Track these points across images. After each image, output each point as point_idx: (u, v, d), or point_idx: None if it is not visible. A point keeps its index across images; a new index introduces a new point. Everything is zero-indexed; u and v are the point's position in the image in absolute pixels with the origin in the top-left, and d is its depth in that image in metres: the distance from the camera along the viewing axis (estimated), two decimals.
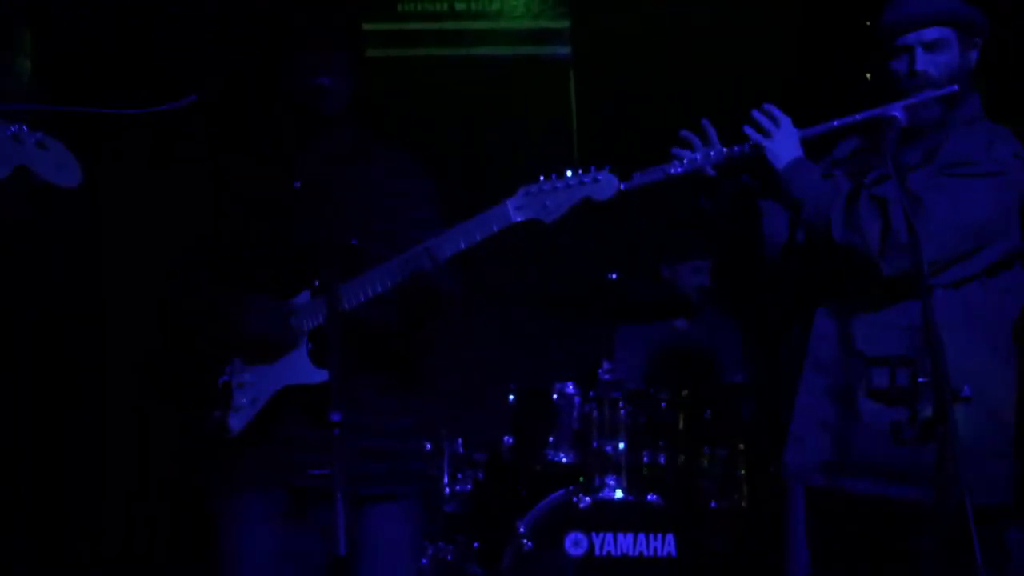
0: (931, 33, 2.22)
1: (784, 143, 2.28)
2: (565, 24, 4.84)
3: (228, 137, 2.89)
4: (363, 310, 2.16)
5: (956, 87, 2.20)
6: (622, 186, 2.25)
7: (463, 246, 2.14)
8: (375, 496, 2.21)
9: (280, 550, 2.22)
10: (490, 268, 2.35)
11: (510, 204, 2.12)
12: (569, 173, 2.13)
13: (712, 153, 2.33)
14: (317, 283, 2.22)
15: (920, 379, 1.91)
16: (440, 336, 2.53)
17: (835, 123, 2.29)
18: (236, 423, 2.19)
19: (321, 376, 2.13)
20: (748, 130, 2.32)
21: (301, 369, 2.20)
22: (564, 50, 4.85)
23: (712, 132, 2.36)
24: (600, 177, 2.11)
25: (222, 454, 2.22)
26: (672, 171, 2.33)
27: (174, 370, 2.42)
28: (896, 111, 2.13)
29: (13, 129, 1.55)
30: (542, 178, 2.14)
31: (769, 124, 2.30)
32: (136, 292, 3.69)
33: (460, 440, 3.93)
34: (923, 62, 2.21)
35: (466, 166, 4.42)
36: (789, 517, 3.42)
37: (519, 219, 2.13)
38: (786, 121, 2.30)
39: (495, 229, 2.13)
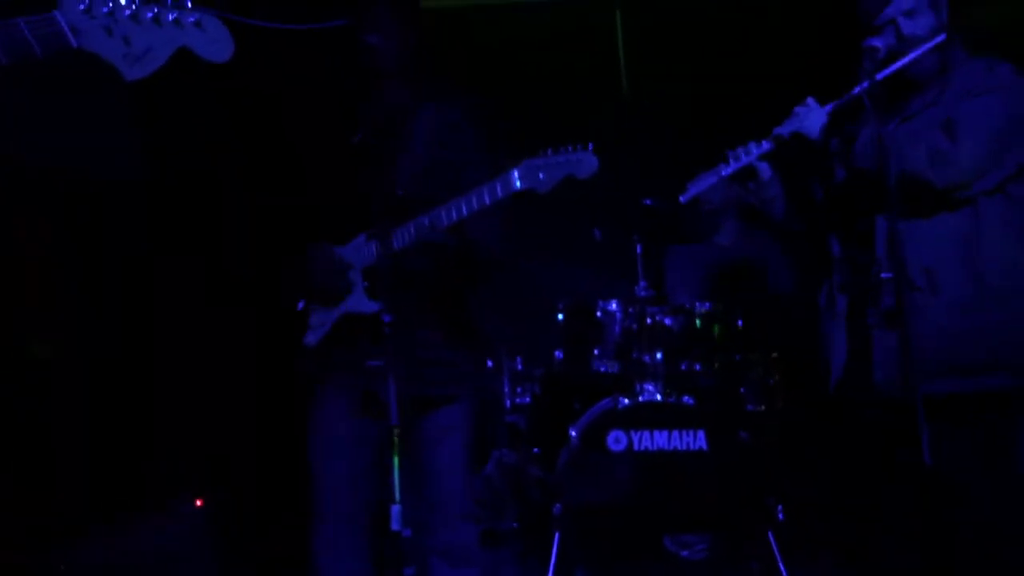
0: (907, 3, 2.46)
1: (812, 118, 2.52)
2: None
3: (295, 93, 3.07)
4: (403, 256, 2.36)
5: (943, 36, 2.45)
6: (681, 199, 2.49)
7: (465, 212, 2.28)
8: (436, 397, 2.50)
9: (354, 435, 2.51)
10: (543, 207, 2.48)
11: (515, 173, 2.25)
12: (569, 149, 2.23)
13: (754, 149, 2.56)
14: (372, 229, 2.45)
15: (883, 275, 2.16)
16: (487, 279, 2.59)
17: (854, 91, 2.49)
18: (312, 339, 2.55)
19: (373, 307, 2.39)
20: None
21: (357, 301, 2.48)
22: None
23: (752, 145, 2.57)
24: (581, 157, 2.22)
25: (308, 363, 2.56)
26: (724, 173, 2.57)
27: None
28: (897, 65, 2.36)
29: (174, 15, 1.59)
30: (543, 152, 2.24)
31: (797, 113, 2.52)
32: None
33: (519, 359, 4.26)
34: (908, 27, 2.46)
35: (523, 105, 4.53)
36: None
37: (520, 187, 2.25)
38: (810, 100, 2.54)
39: (500, 195, 2.26)
